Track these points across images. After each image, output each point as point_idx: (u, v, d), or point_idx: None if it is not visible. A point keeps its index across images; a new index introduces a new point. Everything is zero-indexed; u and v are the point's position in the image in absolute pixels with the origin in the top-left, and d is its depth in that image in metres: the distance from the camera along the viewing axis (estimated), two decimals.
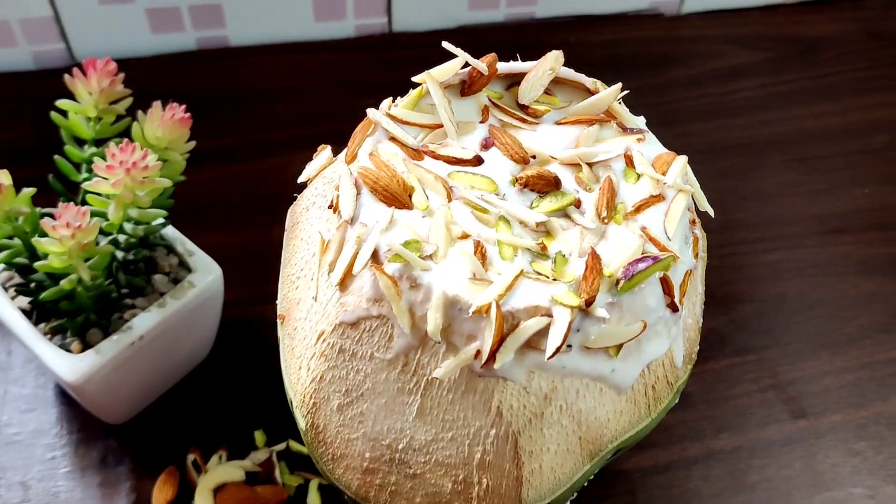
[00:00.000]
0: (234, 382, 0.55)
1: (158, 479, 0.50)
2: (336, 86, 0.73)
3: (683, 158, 0.34)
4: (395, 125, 0.33)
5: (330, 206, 0.33)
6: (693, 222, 0.34)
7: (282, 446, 0.52)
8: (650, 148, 0.34)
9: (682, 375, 0.34)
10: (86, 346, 0.47)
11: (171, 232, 0.52)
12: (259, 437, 0.53)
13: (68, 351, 0.47)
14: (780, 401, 0.55)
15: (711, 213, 0.34)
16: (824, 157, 0.69)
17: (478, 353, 0.29)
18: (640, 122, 0.36)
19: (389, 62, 0.75)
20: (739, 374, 0.56)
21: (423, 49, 0.76)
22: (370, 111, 0.34)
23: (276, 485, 0.51)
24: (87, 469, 0.51)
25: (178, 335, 0.51)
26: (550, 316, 0.29)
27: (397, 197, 0.31)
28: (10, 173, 0.45)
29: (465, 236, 0.31)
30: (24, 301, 0.48)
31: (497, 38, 0.77)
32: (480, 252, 0.30)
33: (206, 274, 0.51)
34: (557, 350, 0.28)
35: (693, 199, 0.34)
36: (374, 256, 0.30)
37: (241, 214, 0.63)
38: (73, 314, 0.47)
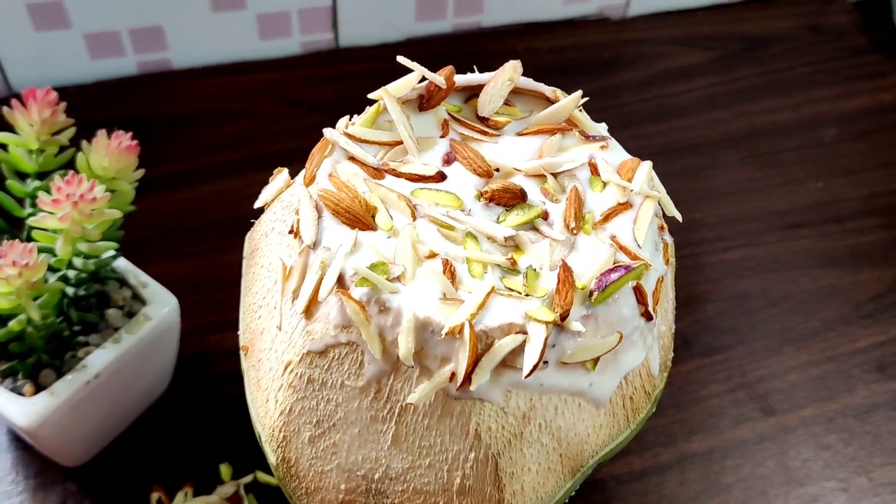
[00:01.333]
0: (195, 415, 0.53)
1: None
2: (284, 104, 0.71)
3: (648, 164, 0.33)
4: (354, 144, 0.32)
5: (290, 231, 0.32)
6: (661, 228, 0.33)
7: (249, 478, 0.51)
8: (614, 155, 0.34)
9: (659, 384, 0.34)
10: (39, 388, 0.45)
11: (122, 264, 0.50)
12: (225, 470, 0.51)
13: (20, 394, 0.45)
14: (749, 399, 0.55)
15: (679, 217, 0.33)
16: (777, 153, 0.70)
17: (453, 375, 0.28)
18: (602, 128, 0.35)
19: (338, 78, 0.74)
20: (707, 376, 0.56)
21: (372, 62, 0.75)
22: (327, 131, 0.33)
23: None
24: None
25: (135, 371, 0.49)
26: (525, 333, 0.28)
27: (360, 218, 0.30)
28: None
29: (432, 255, 0.30)
30: None
31: (446, 48, 0.76)
32: (449, 271, 0.29)
33: (162, 305, 0.49)
34: (535, 368, 0.28)
35: (660, 204, 0.34)
36: (340, 281, 0.29)
37: (192, 241, 0.62)
38: (23, 356, 0.45)
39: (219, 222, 0.63)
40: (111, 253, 0.47)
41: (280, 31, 0.73)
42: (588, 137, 0.34)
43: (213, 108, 0.71)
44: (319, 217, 0.31)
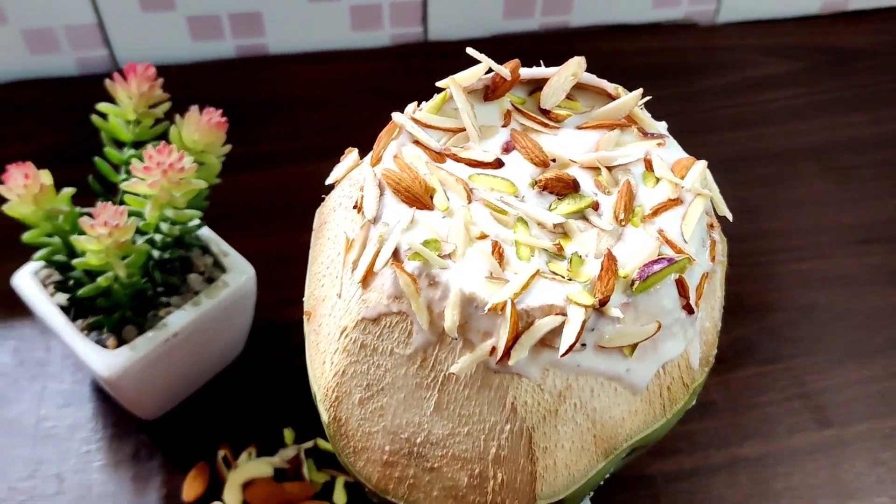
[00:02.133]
0: (265, 381, 0.56)
1: (189, 475, 0.52)
2: (370, 95, 0.74)
3: (703, 163, 0.34)
4: (419, 128, 0.34)
5: (355, 207, 0.34)
6: (711, 226, 0.34)
7: (310, 444, 0.53)
8: (670, 153, 0.35)
9: (699, 377, 0.35)
10: (121, 342, 0.49)
11: (206, 233, 0.54)
12: (288, 434, 0.54)
13: (104, 347, 0.48)
14: (806, 409, 0.55)
15: (730, 216, 0.34)
16: (857, 167, 0.69)
17: (493, 349, 0.30)
18: (662, 127, 0.36)
19: (424, 71, 0.76)
20: (767, 383, 0.56)
21: (458, 58, 0.76)
22: (395, 115, 0.35)
23: (303, 481, 0.52)
24: (120, 463, 0.53)
25: (211, 333, 0.52)
26: (565, 315, 0.30)
27: (419, 198, 0.32)
28: (53, 175, 0.46)
29: (483, 236, 0.31)
30: (62, 298, 0.50)
31: (532, 46, 0.78)
32: (498, 252, 0.31)
33: (240, 274, 0.52)
34: (571, 348, 0.29)
35: (712, 203, 0.34)
36: (396, 255, 0.31)
37: (273, 219, 0.65)
38: (109, 311, 0.49)
39: (301, 202, 0.66)
40: (196, 221, 0.51)
41: (371, 23, 0.76)
42: (646, 134, 0.35)
43: (303, 94, 0.74)
44: (381, 195, 0.33)
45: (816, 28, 0.80)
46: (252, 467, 0.52)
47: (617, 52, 0.78)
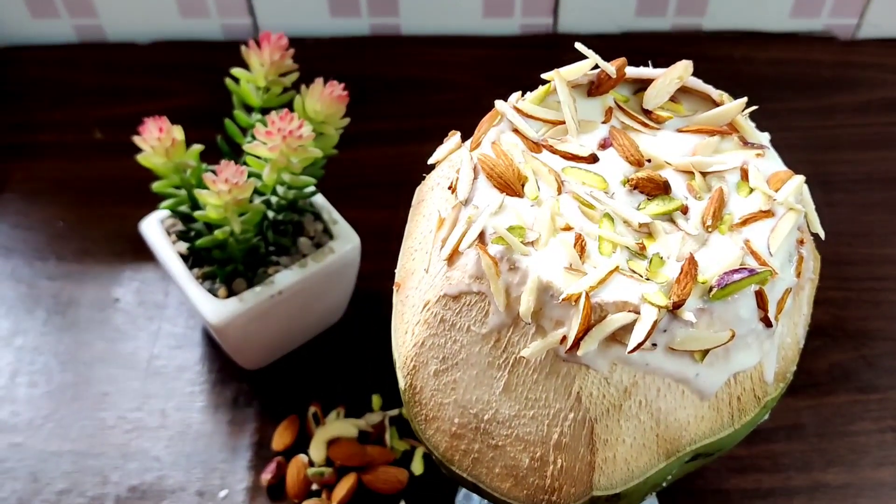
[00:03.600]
0: (360, 347, 0.59)
1: (280, 425, 0.55)
2: (494, 82, 0.75)
3: (800, 178, 0.34)
4: (520, 118, 0.35)
5: (449, 188, 0.36)
6: (801, 242, 0.34)
7: (395, 412, 0.56)
8: (769, 164, 0.35)
9: (773, 392, 0.35)
10: (231, 293, 0.52)
11: (319, 200, 0.56)
12: (376, 400, 0.56)
13: (215, 296, 0.52)
14: None
15: (822, 234, 0.34)
16: None
17: (564, 338, 0.31)
18: (765, 138, 0.36)
19: (550, 62, 0.76)
20: (860, 412, 0.55)
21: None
22: (498, 102, 0.36)
23: (384, 447, 0.54)
24: (219, 406, 0.56)
25: (314, 295, 0.55)
26: (638, 313, 0.30)
27: (510, 185, 0.33)
28: (187, 134, 0.50)
29: (567, 228, 0.32)
30: (183, 246, 0.54)
31: (661, 46, 0.77)
32: (580, 245, 0.32)
33: (346, 242, 0.54)
34: (639, 345, 0.30)
35: (806, 219, 0.34)
36: (482, 237, 0.32)
37: (384, 194, 0.67)
38: (223, 263, 0.52)
39: (414, 181, 0.68)
40: (310, 188, 0.53)
41: (502, 11, 0.77)
42: (746, 144, 0.35)
43: (430, 75, 0.76)
44: (475, 178, 0.34)
45: None
46: (339, 426, 0.54)
47: (748, 60, 0.76)
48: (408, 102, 0.74)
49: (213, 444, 0.55)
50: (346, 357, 0.59)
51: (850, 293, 0.60)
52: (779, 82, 0.74)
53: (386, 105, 0.74)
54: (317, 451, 0.54)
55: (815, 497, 0.51)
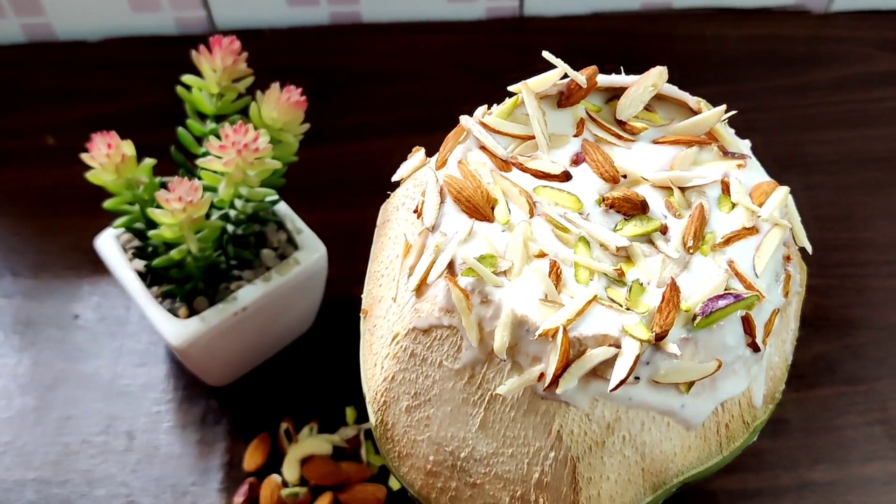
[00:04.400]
0: (332, 358, 0.57)
1: (251, 444, 0.53)
2: (461, 69, 0.73)
3: (784, 190, 0.32)
4: (487, 134, 0.33)
5: (415, 211, 0.34)
6: (788, 258, 0.32)
7: (370, 425, 0.54)
8: (751, 175, 0.33)
9: (761, 415, 0.33)
10: (192, 312, 0.50)
11: (282, 208, 0.54)
12: (350, 413, 0.54)
13: (175, 315, 0.49)
14: (886, 437, 0.52)
15: (809, 249, 0.32)
16: None
17: (541, 375, 0.29)
18: (745, 146, 0.34)
19: (518, 46, 0.74)
20: (846, 405, 0.53)
21: (553, 34, 0.74)
22: (463, 118, 0.34)
23: (360, 463, 0.52)
24: (187, 426, 0.54)
25: (281, 309, 0.53)
26: (619, 346, 0.28)
27: (479, 209, 0.31)
28: (143, 136, 0.47)
29: (542, 255, 0.30)
30: (140, 264, 0.51)
31: (631, 25, 0.75)
32: (555, 273, 0.30)
33: (312, 252, 0.52)
34: (622, 383, 0.28)
35: (792, 233, 0.32)
36: (451, 267, 0.30)
37: (351, 193, 0.65)
38: (181, 282, 0.50)
39: (382, 178, 0.65)
40: (272, 197, 0.51)
41: None
42: (726, 154, 0.34)
43: (393, 65, 0.73)
44: (442, 202, 0.32)
45: None
46: (312, 443, 0.52)
47: (721, 38, 0.74)
48: (373, 94, 0.71)
49: (182, 466, 0.53)
50: (317, 368, 0.56)
51: (832, 280, 0.59)
52: (752, 60, 0.72)
53: (350, 98, 0.71)
54: (290, 470, 0.52)
55: (802, 495, 0.50)
